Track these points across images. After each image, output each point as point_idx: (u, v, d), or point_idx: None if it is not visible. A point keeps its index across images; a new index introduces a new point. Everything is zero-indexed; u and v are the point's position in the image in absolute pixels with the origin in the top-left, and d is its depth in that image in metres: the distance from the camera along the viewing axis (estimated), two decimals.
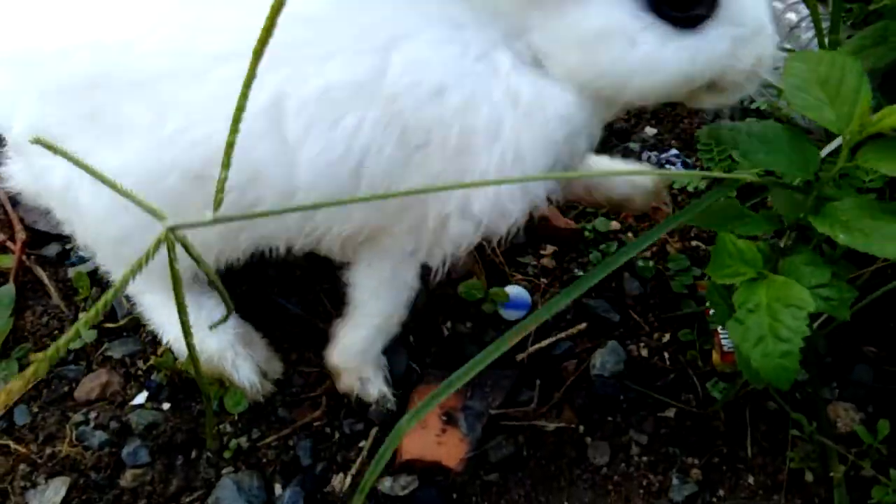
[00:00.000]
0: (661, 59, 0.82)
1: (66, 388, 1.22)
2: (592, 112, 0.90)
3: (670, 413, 1.19)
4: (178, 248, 0.64)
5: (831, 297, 0.96)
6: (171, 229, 0.58)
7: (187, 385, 1.20)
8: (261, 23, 0.77)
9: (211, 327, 1.02)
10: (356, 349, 1.16)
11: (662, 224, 1.01)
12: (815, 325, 1.14)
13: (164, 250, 0.64)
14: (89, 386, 1.21)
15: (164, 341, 1.21)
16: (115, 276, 1.18)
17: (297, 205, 0.88)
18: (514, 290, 1.30)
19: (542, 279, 1.34)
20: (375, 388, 1.18)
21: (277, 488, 1.12)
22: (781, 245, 1.05)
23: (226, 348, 1.17)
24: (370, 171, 0.86)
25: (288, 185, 0.88)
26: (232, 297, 1.23)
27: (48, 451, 1.14)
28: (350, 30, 0.84)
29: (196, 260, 0.62)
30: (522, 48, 0.86)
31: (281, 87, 0.83)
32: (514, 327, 0.88)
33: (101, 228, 1.01)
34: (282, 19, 0.77)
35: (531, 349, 1.24)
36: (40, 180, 1.02)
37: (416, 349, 1.26)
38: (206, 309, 1.17)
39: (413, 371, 1.24)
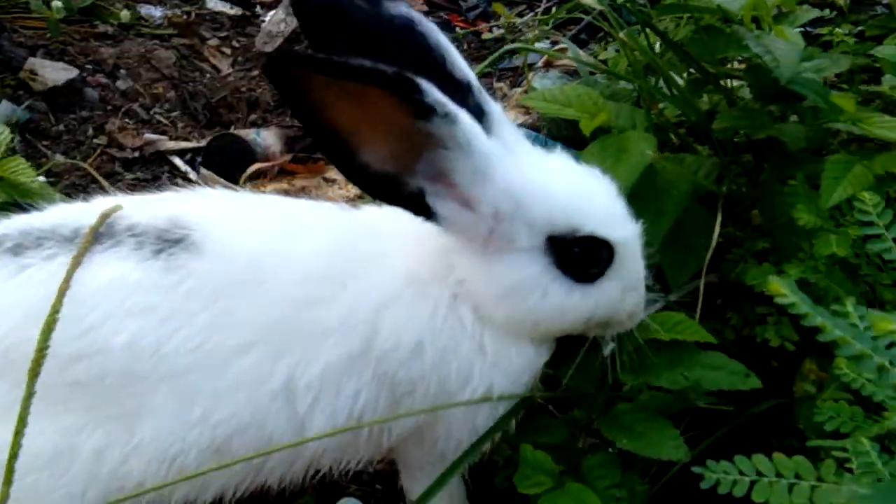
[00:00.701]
0: (567, 305, 0.99)
1: None
2: (547, 348, 1.07)
3: None
4: None
5: (622, 497, 1.05)
6: None
7: None
8: (272, 316, 0.95)
9: None
10: None
11: (482, 438, 1.07)
12: None
13: None
14: None
15: None
16: None
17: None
18: (349, 503, 1.32)
19: (377, 485, 1.36)
20: None
21: None
22: (580, 444, 1.14)
23: None
24: (368, 420, 1.00)
25: (298, 447, 0.97)
26: None
27: None
28: (340, 308, 0.96)
29: None
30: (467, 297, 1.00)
31: (291, 371, 0.95)
32: None
33: None
34: (282, 306, 0.95)
35: None
36: None
37: None
38: None
39: None
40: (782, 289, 0.63)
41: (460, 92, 0.97)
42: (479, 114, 0.97)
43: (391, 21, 0.98)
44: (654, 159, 1.23)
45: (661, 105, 1.60)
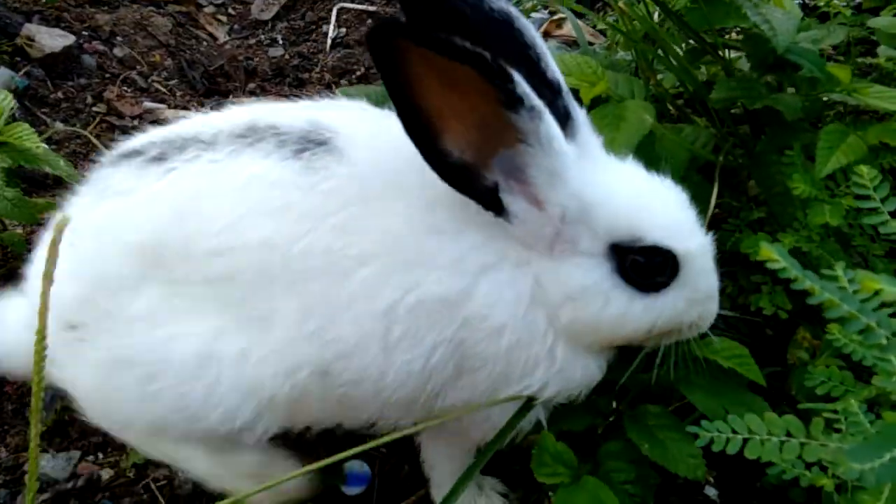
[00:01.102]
0: (629, 314, 0.98)
1: None
2: (607, 361, 1.06)
3: None
4: None
5: (636, 494, 1.08)
6: None
7: None
8: (395, 232, 0.95)
9: None
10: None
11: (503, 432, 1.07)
12: None
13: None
14: None
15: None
16: (151, 453, 1.16)
17: None
18: (354, 466, 1.35)
19: (382, 449, 1.39)
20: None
21: None
22: (600, 431, 1.16)
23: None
24: (434, 381, 1.00)
25: (381, 383, 0.99)
26: None
27: None
28: (455, 248, 0.96)
29: None
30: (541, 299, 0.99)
31: (396, 293, 0.95)
32: None
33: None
34: (410, 224, 0.95)
35: None
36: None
37: None
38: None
39: None
40: (773, 254, 0.66)
41: (550, 92, 0.97)
42: (566, 116, 0.98)
43: (491, 14, 0.98)
44: (654, 127, 1.24)
45: (659, 76, 1.61)
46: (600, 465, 1.09)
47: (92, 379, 1.04)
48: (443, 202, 0.96)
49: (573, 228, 0.95)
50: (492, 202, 0.94)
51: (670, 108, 1.66)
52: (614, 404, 1.18)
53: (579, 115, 1.00)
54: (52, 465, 1.32)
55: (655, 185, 1.01)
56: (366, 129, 1.03)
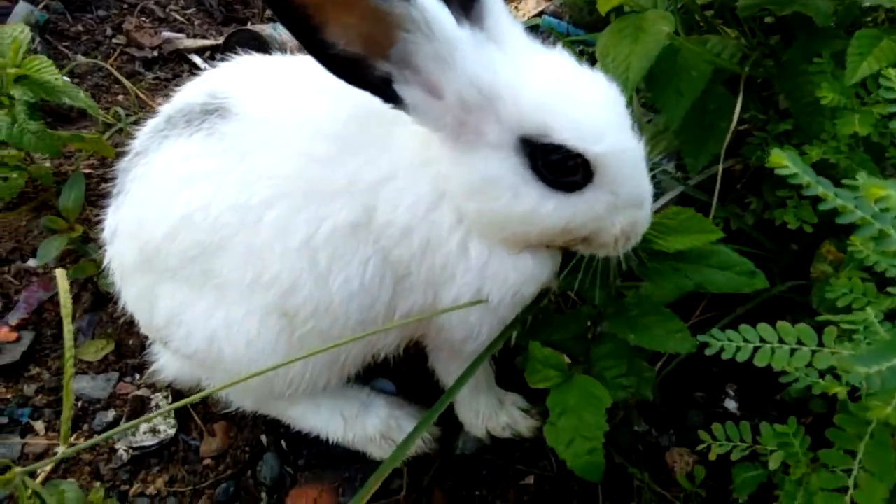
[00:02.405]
0: (541, 212, 0.93)
1: None
2: (550, 259, 1.03)
3: (530, 480, 1.29)
4: None
5: (630, 385, 1.09)
6: None
7: None
8: (293, 166, 1.00)
9: None
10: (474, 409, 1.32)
11: (489, 348, 1.10)
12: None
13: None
14: None
15: (333, 439, 1.30)
16: (257, 408, 1.33)
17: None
18: (380, 384, 1.39)
19: (403, 367, 1.42)
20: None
21: None
22: (589, 336, 1.16)
23: (386, 419, 1.29)
24: (381, 294, 1.04)
25: (333, 310, 1.04)
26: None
27: None
28: (347, 172, 0.99)
29: None
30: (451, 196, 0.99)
31: (309, 227, 1.00)
32: None
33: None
34: (298, 161, 1.00)
35: None
36: (184, 351, 1.14)
37: (288, 454, 1.33)
38: (349, 398, 1.31)
39: (286, 475, 1.30)
40: (784, 160, 0.64)
41: None
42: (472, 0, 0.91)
43: None
44: (672, 38, 1.20)
45: None
46: (593, 366, 1.09)
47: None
48: (325, 131, 0.99)
49: (477, 118, 0.90)
50: (387, 94, 0.90)
51: (698, 19, 1.59)
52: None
53: None
54: (91, 385, 1.38)
55: (576, 78, 0.92)
56: (255, 83, 1.08)
